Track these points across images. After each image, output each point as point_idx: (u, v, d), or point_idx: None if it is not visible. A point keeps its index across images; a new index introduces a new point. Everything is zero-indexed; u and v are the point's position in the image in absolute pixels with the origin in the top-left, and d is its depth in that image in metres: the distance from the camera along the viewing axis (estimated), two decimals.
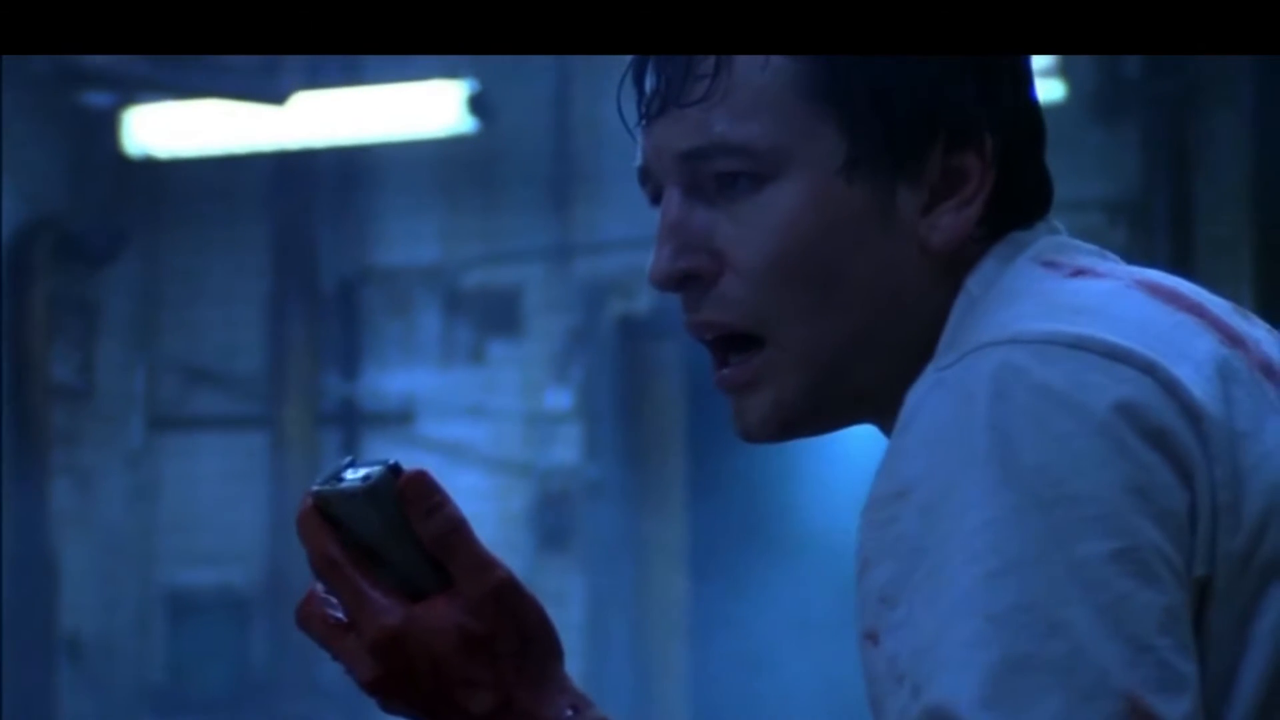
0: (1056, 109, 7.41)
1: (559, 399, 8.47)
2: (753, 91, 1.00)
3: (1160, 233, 7.07)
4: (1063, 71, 7.36)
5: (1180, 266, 6.72)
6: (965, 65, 1.01)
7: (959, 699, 0.81)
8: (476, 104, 8.09)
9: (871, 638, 0.87)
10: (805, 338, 1.00)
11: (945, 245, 1.00)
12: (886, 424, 1.04)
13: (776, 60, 1.00)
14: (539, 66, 8.28)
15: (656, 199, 1.04)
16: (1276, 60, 4.12)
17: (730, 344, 1.03)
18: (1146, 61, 7.10)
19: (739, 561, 8.17)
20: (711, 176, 1.01)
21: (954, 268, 1.01)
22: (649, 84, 1.03)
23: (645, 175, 1.05)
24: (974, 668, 0.82)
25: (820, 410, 1.03)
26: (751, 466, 7.60)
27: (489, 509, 8.58)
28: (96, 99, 8.25)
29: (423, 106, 8.14)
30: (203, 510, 8.85)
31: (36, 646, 7.81)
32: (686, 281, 1.02)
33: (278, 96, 7.99)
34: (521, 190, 8.45)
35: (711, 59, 1.00)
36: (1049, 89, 7.34)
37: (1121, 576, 0.82)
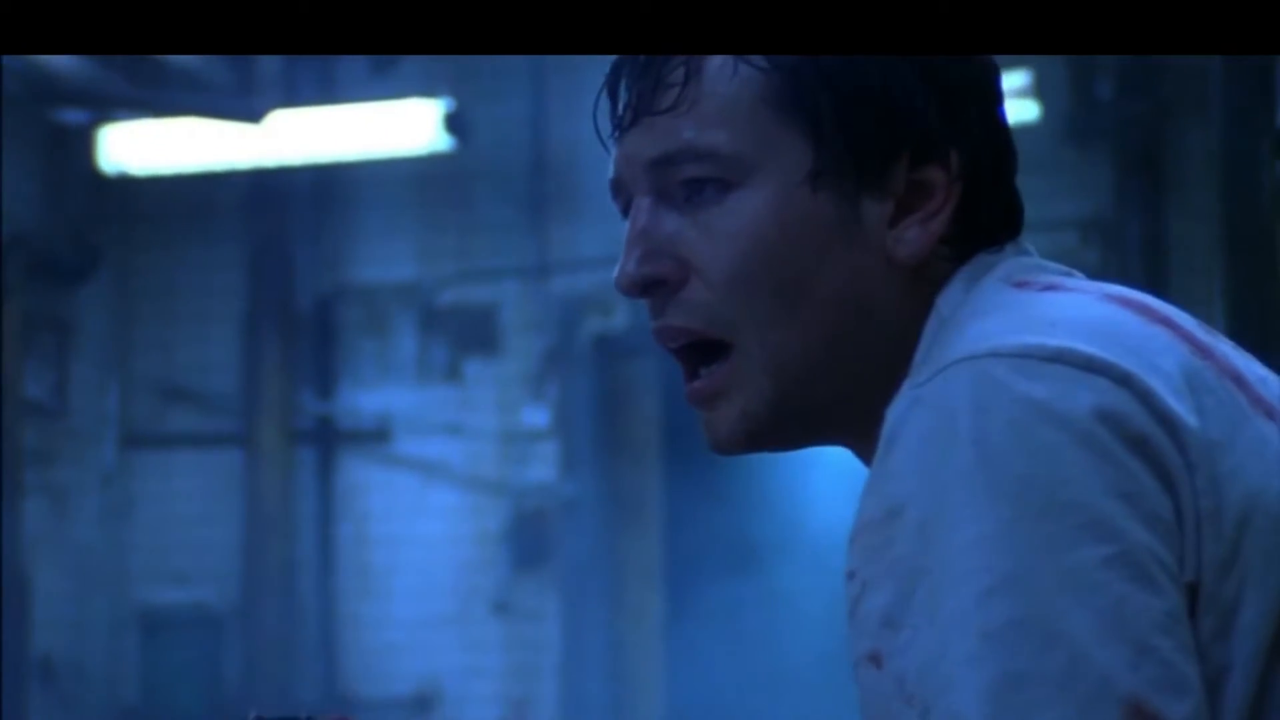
0: (1030, 130, 7.45)
1: (535, 417, 8.46)
2: (721, 100, 1.01)
3: (1133, 251, 7.11)
4: (1037, 92, 7.40)
5: (1153, 285, 6.76)
6: (931, 81, 1.02)
7: (964, 719, 0.82)
8: (453, 123, 8.10)
9: (874, 660, 0.87)
10: (771, 344, 1.01)
11: (911, 258, 1.01)
12: (858, 444, 1.04)
13: (745, 70, 1.01)
14: (515, 86, 8.30)
15: (627, 211, 1.05)
16: (1247, 80, 4.15)
17: (698, 354, 1.04)
18: (1118, 83, 7.14)
19: (715, 579, 8.17)
20: (679, 183, 1.02)
21: (921, 283, 1.01)
22: (621, 97, 1.04)
23: (617, 187, 1.06)
24: (974, 687, 0.82)
25: (788, 421, 1.03)
26: (728, 484, 7.61)
27: (465, 527, 8.57)
28: (71, 116, 8.23)
29: (399, 125, 8.15)
30: (176, 529, 8.82)
31: (8, 666, 7.76)
32: (653, 287, 1.03)
33: (254, 115, 7.98)
34: (497, 209, 8.46)
35: (681, 69, 1.01)
36: (1023, 110, 7.38)
37: (1118, 580, 0.83)
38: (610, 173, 1.06)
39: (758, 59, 1.01)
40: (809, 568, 7.19)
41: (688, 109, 1.01)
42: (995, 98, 1.07)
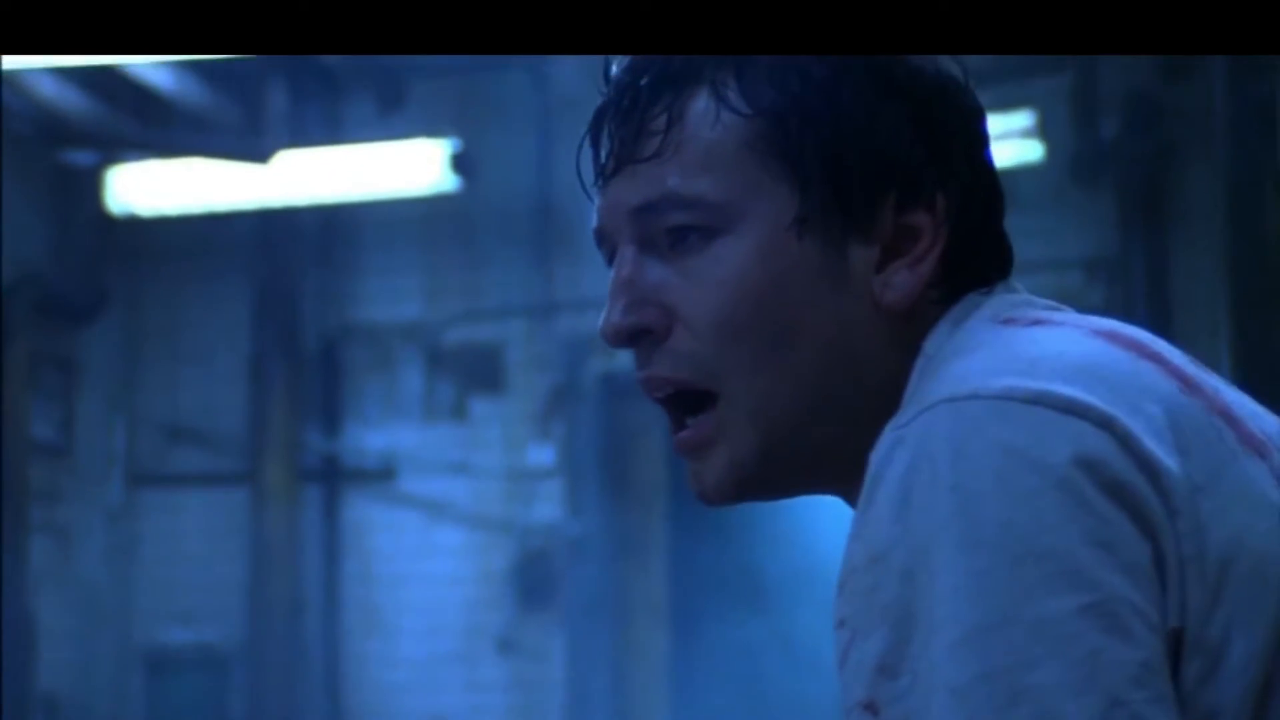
0: (1035, 169, 7.47)
1: (541, 455, 8.46)
2: (704, 147, 1.00)
3: (1138, 290, 7.12)
4: (1040, 132, 7.43)
5: (1158, 323, 6.76)
6: (917, 123, 1.01)
7: None
8: (459, 162, 8.13)
9: (870, 708, 0.87)
10: (757, 393, 0.99)
11: (898, 303, 1.00)
12: (848, 492, 1.03)
13: (727, 116, 1.00)
14: (521, 126, 8.33)
15: (612, 260, 1.04)
16: (1251, 119, 4.16)
17: (684, 404, 1.02)
18: (1122, 122, 7.16)
19: (720, 618, 8.15)
20: (664, 231, 1.01)
21: (910, 328, 1.00)
22: (603, 145, 1.03)
23: (601, 236, 1.05)
24: None
25: (777, 471, 1.02)
26: (732, 523, 7.60)
27: (470, 565, 8.56)
28: (79, 157, 8.27)
29: (405, 165, 8.18)
30: (182, 568, 8.81)
31: (13, 704, 7.74)
32: (638, 336, 1.01)
33: (261, 155, 8.02)
34: (503, 248, 8.48)
35: (663, 116, 1.00)
36: (1027, 150, 7.40)
37: (1092, 631, 0.82)
38: (594, 221, 1.05)
39: (741, 105, 1.00)
40: (815, 607, 7.17)
41: (671, 156, 1.00)
42: (981, 139, 1.06)
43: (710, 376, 1.00)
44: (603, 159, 1.04)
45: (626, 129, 1.02)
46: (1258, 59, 4.10)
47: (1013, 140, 7.31)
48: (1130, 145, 7.15)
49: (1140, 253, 7.16)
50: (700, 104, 1.01)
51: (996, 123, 7.55)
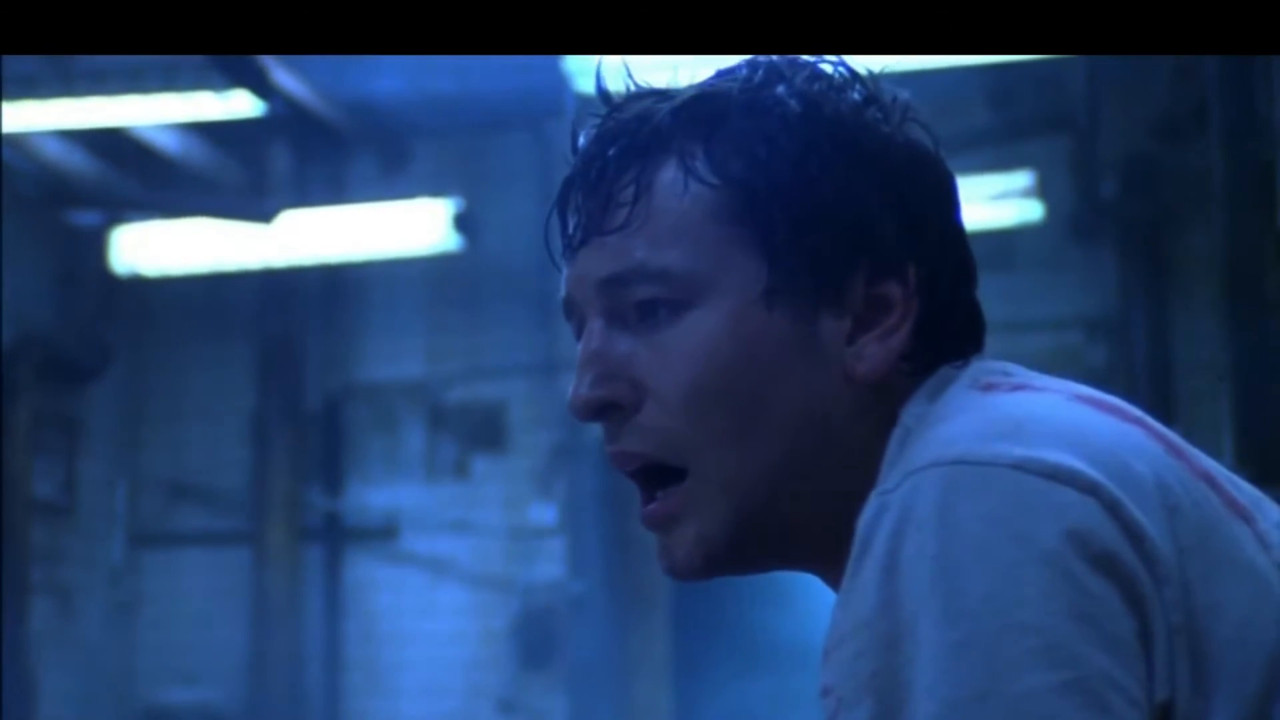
0: (1034, 229, 7.50)
1: (543, 514, 8.45)
2: (672, 218, 0.99)
3: (1139, 350, 7.13)
4: (1040, 192, 7.46)
5: (1158, 384, 6.76)
6: (887, 196, 1.00)
7: None
8: (462, 222, 8.16)
9: None
10: (728, 467, 0.97)
11: (870, 374, 0.98)
12: (824, 569, 1.02)
13: (695, 187, 0.99)
14: (524, 186, 8.37)
15: (580, 332, 1.02)
16: (1249, 180, 4.19)
17: (654, 477, 1.01)
18: (1121, 182, 7.19)
19: (724, 678, 8.12)
20: (632, 305, 0.99)
21: (882, 400, 0.98)
22: (571, 216, 1.02)
23: (569, 307, 1.04)
24: None
25: (747, 546, 1.00)
26: (735, 583, 7.57)
27: (472, 625, 8.53)
28: (83, 218, 8.30)
29: (409, 224, 8.21)
30: (183, 628, 8.78)
31: None
32: (606, 410, 1.00)
33: (264, 215, 8.05)
34: (506, 307, 8.50)
35: (631, 187, 0.99)
36: (1026, 209, 7.43)
37: (1071, 709, 0.80)
38: (561, 292, 1.04)
39: (709, 175, 0.99)
40: (817, 668, 7.13)
41: (638, 228, 0.99)
42: (953, 206, 1.04)
43: (679, 452, 0.99)
44: (570, 230, 1.02)
45: (594, 200, 1.01)
46: (1255, 121, 4.12)
47: (1012, 200, 7.35)
48: (1129, 206, 7.18)
49: (1140, 313, 7.17)
50: (668, 174, 1.00)
51: (996, 183, 7.60)
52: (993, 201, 7.21)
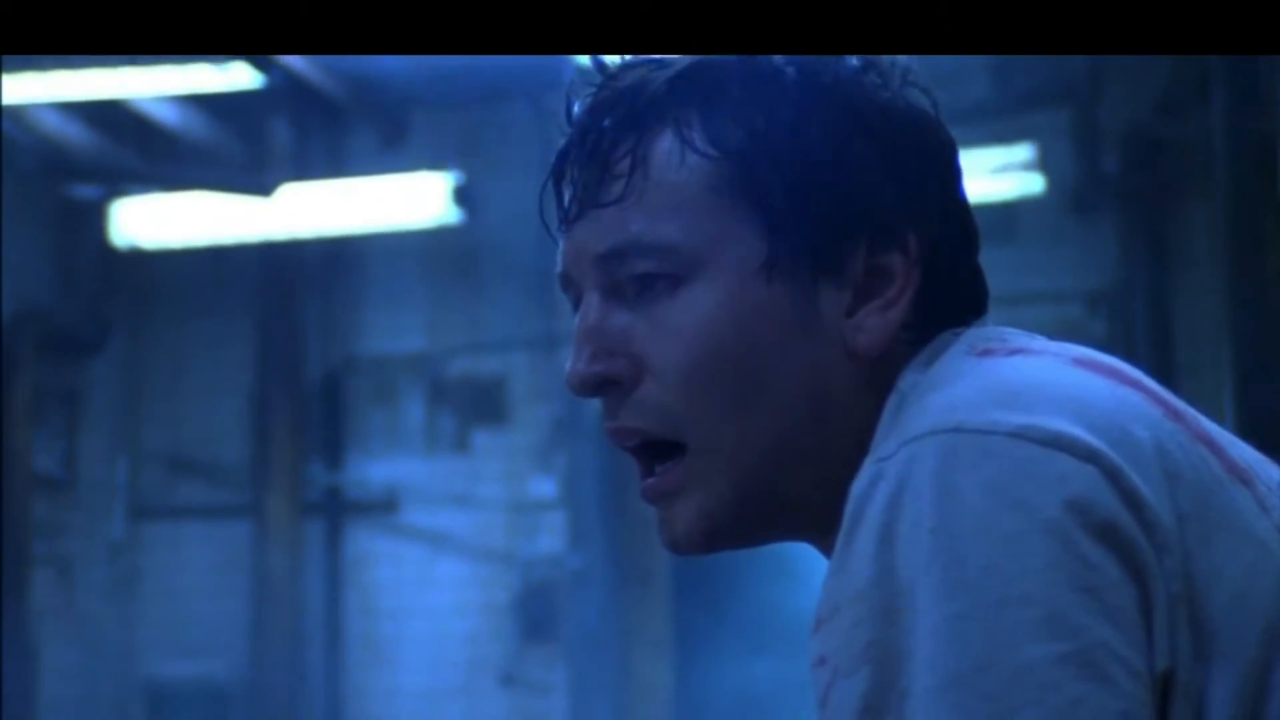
0: (1036, 203, 7.49)
1: (543, 488, 8.46)
2: (669, 190, 0.97)
3: (1139, 323, 7.13)
4: (1042, 166, 7.44)
5: (1159, 356, 6.76)
6: (887, 165, 0.98)
7: None
8: (461, 196, 8.15)
9: None
10: (727, 443, 0.97)
11: (871, 347, 0.97)
12: (820, 539, 1.00)
13: (693, 159, 0.97)
14: (523, 158, 8.36)
15: (578, 305, 1.01)
16: (1251, 156, 4.18)
17: (653, 452, 1.00)
18: (1122, 156, 7.18)
19: (723, 651, 8.14)
20: (630, 278, 0.98)
21: (883, 369, 0.97)
22: (567, 189, 1.01)
23: (566, 281, 1.03)
24: None
25: (748, 520, 0.99)
26: (735, 556, 7.58)
27: (472, 598, 8.55)
28: (83, 191, 8.29)
29: (408, 198, 8.20)
30: (184, 601, 8.79)
31: None
32: (605, 386, 0.99)
33: (264, 189, 8.04)
34: (506, 280, 8.50)
35: (627, 159, 0.97)
36: (1028, 183, 7.42)
37: (1072, 680, 0.80)
38: (558, 266, 1.03)
39: (705, 146, 0.97)
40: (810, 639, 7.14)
41: (635, 200, 0.97)
42: (954, 175, 1.03)
43: (679, 427, 0.98)
44: (566, 203, 1.01)
45: (589, 172, 0.99)
46: (1257, 95, 4.11)
47: (1013, 173, 7.33)
48: (1131, 179, 7.16)
49: (1141, 285, 7.17)
50: (665, 145, 0.98)
51: (997, 156, 7.57)
52: (994, 174, 7.20)
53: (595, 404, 1.04)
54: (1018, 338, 0.99)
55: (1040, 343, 0.98)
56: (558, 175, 1.02)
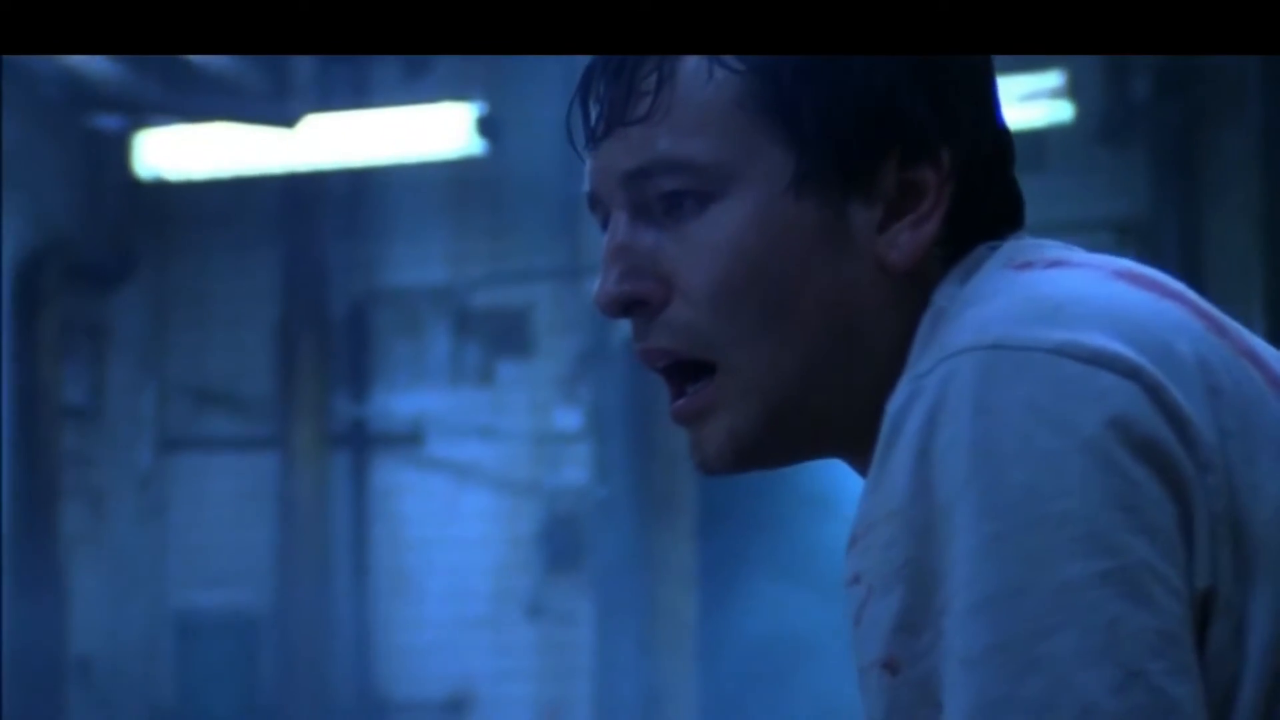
0: (1065, 130, 7.42)
1: (568, 419, 8.47)
2: (696, 107, 0.95)
3: (1169, 252, 7.08)
4: (1071, 93, 7.37)
5: (1189, 285, 6.71)
6: (918, 77, 0.96)
7: None
8: (485, 126, 8.11)
9: (889, 667, 0.84)
10: (758, 362, 0.96)
11: (903, 263, 0.96)
12: (853, 457, 0.99)
13: (720, 74, 0.95)
14: (547, 89, 8.31)
15: (605, 224, 0.99)
16: None
17: (683, 372, 0.98)
18: (1154, 83, 7.11)
19: (748, 581, 8.17)
20: (657, 197, 0.97)
21: (916, 286, 0.96)
22: (594, 107, 0.99)
23: (594, 200, 1.01)
24: (957, 713, 0.80)
25: (779, 439, 0.98)
26: (760, 487, 7.60)
27: (498, 529, 8.59)
28: (107, 122, 8.29)
29: (432, 129, 8.17)
30: (212, 532, 8.86)
31: (46, 668, 7.81)
32: (633, 307, 0.98)
33: (288, 120, 8.02)
34: (530, 211, 8.48)
35: (653, 75, 0.96)
36: (1057, 110, 7.35)
37: (1112, 599, 0.80)
38: (585, 185, 1.01)
39: (733, 61, 0.96)
40: (841, 570, 7.16)
41: (662, 118, 0.95)
42: (988, 87, 1.01)
43: (709, 347, 0.97)
44: (592, 121, 0.99)
45: (616, 90, 0.97)
46: None
47: (1042, 100, 7.26)
48: (1162, 106, 7.09)
49: (1172, 214, 7.11)
50: (692, 62, 0.97)
51: (1026, 83, 7.50)
52: (1022, 102, 7.13)
53: (621, 335, 1.03)
54: (1056, 249, 0.97)
55: (1080, 255, 0.96)
56: (584, 93, 1.00)
